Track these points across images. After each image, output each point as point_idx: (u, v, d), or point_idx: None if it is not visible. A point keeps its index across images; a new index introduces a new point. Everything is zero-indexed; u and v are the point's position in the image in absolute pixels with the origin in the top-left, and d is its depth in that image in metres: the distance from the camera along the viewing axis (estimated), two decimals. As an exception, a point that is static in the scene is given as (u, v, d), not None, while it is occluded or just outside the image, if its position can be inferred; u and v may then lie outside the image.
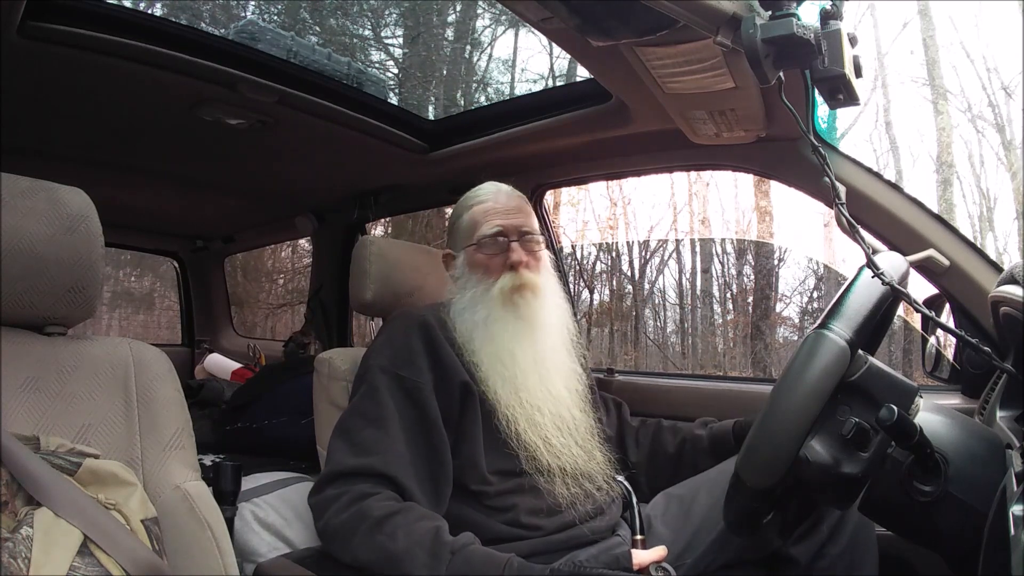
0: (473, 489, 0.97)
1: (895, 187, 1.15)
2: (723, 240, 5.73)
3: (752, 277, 5.51)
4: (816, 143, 0.70)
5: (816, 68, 0.66)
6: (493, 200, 1.09)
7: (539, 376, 1.03)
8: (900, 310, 1.20)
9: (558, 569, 0.80)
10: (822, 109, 1.11)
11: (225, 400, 2.02)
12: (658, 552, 0.85)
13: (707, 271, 5.63)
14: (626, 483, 0.96)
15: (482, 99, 5.71)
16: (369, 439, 0.92)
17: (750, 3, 0.66)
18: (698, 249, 5.68)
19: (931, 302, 1.12)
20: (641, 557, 0.82)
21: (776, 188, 5.17)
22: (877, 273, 0.64)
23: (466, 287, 1.06)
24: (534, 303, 1.05)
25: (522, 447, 0.98)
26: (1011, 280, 0.78)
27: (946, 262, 1.09)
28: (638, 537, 0.86)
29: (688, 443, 1.13)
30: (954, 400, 1.13)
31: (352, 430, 0.95)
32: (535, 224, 1.10)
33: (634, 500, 0.89)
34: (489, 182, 1.15)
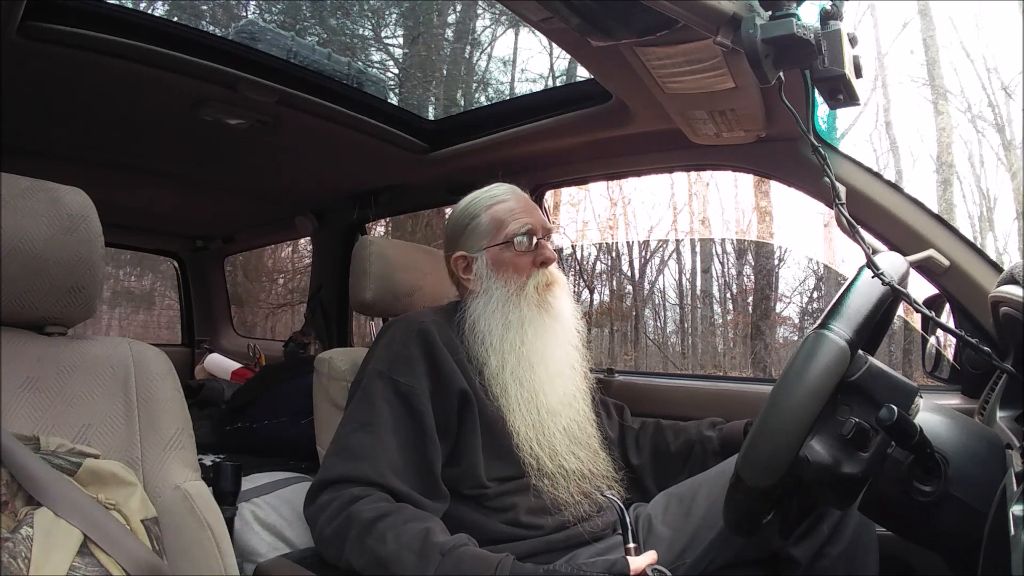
0: (473, 494, 0.96)
1: (895, 187, 1.15)
2: (723, 240, 5.73)
3: (752, 277, 5.51)
4: (816, 143, 0.70)
5: (816, 68, 0.66)
6: (514, 200, 1.09)
7: (561, 377, 1.04)
8: (900, 310, 1.20)
9: (553, 570, 0.80)
10: (822, 109, 1.11)
11: (225, 400, 2.02)
12: (651, 556, 0.85)
13: (707, 271, 5.64)
14: (616, 500, 0.97)
15: (482, 99, 5.70)
16: (359, 444, 0.92)
17: (750, 3, 0.66)
18: (698, 249, 5.69)
19: (931, 302, 1.12)
20: (636, 562, 0.83)
21: (776, 188, 5.17)
22: (877, 273, 0.64)
23: (491, 288, 1.03)
24: (561, 298, 1.06)
25: (528, 453, 0.98)
26: (1011, 280, 0.78)
27: (946, 262, 1.09)
28: (630, 545, 0.87)
29: (697, 444, 1.13)
30: (954, 400, 1.13)
31: (344, 435, 0.95)
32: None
33: (627, 516, 0.90)
34: (497, 183, 1.13)
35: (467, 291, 1.08)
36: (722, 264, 5.71)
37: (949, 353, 1.14)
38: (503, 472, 0.98)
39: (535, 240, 1.05)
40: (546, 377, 1.02)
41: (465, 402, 0.97)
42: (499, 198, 1.09)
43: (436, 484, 0.93)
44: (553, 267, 1.06)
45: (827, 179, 0.68)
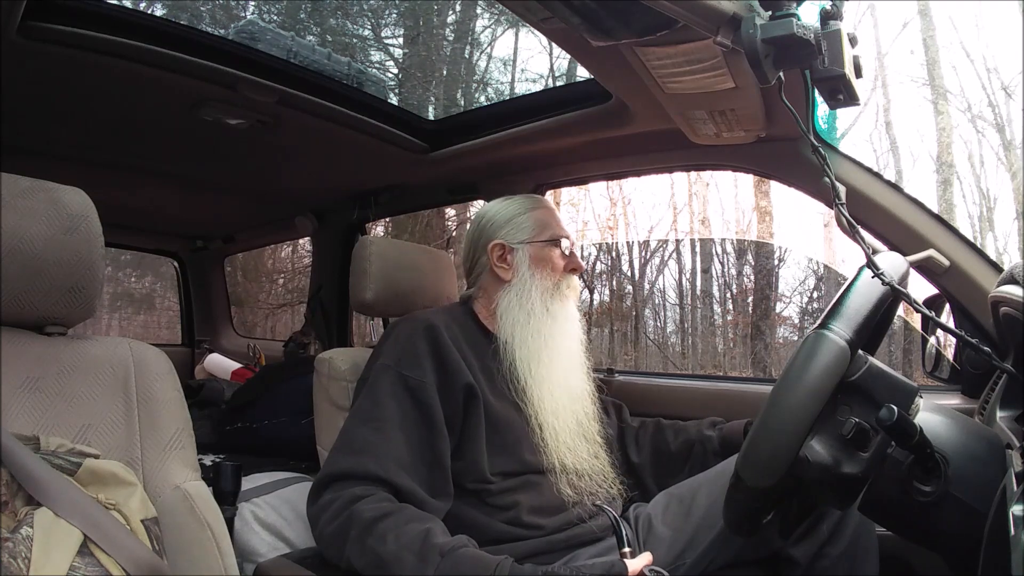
0: (475, 488, 0.97)
1: (895, 187, 1.15)
2: (723, 240, 5.73)
3: (752, 277, 5.51)
4: (816, 143, 0.70)
5: (816, 68, 0.66)
6: (552, 209, 1.18)
7: (577, 373, 1.10)
8: (900, 310, 1.20)
9: (551, 571, 0.80)
10: (822, 109, 1.11)
11: (225, 400, 2.02)
12: (647, 557, 0.86)
13: (707, 271, 5.64)
14: (611, 510, 0.98)
15: (482, 99, 5.71)
16: (363, 439, 0.92)
17: (750, 3, 0.66)
18: (698, 249, 5.69)
19: (931, 302, 1.12)
20: (634, 564, 0.83)
21: (776, 188, 5.18)
22: (877, 273, 0.64)
23: (528, 279, 1.09)
24: (575, 305, 1.14)
25: (538, 443, 1.00)
26: (1011, 280, 0.78)
27: (946, 262, 1.09)
28: (625, 550, 0.87)
29: (697, 444, 1.14)
30: (954, 400, 1.13)
31: (349, 430, 0.95)
32: None
33: (620, 524, 0.90)
34: (525, 195, 1.21)
35: (498, 280, 1.11)
36: (722, 264, 5.72)
37: (949, 353, 1.14)
38: (506, 467, 0.98)
39: (569, 248, 1.13)
40: (567, 369, 1.08)
41: (471, 396, 0.98)
42: (541, 204, 1.17)
43: (445, 477, 0.94)
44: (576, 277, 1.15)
45: (827, 179, 0.68)
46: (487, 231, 1.14)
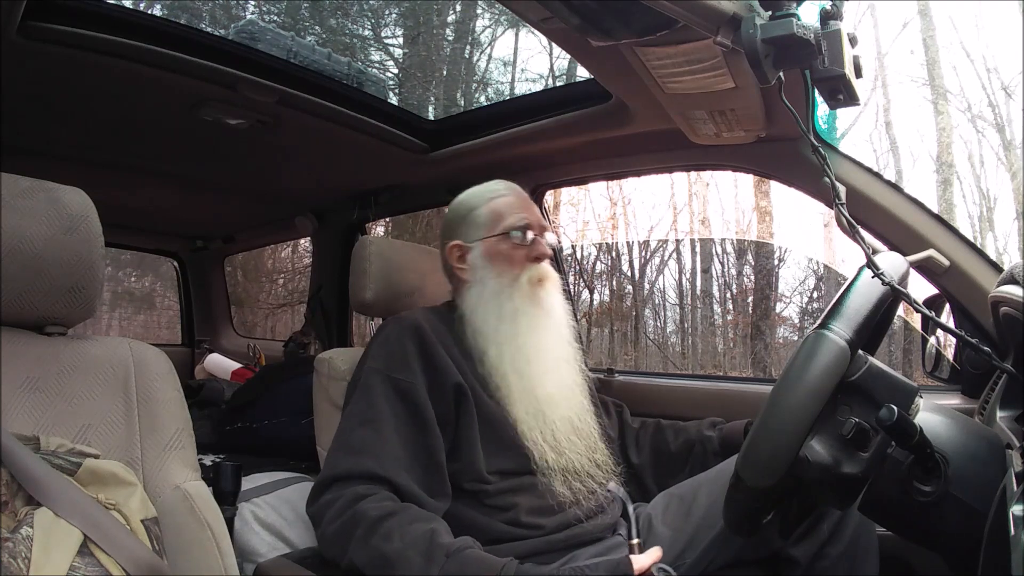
0: (473, 489, 0.96)
1: (895, 187, 1.15)
2: (723, 240, 5.74)
3: (752, 277, 5.51)
4: (816, 143, 0.70)
5: (816, 68, 0.66)
6: (513, 195, 1.11)
7: (557, 370, 1.05)
8: (900, 310, 1.20)
9: (555, 571, 0.80)
10: (822, 109, 1.11)
11: (225, 400, 2.02)
12: (655, 553, 0.85)
13: (707, 271, 5.64)
14: (621, 489, 0.96)
15: (482, 99, 5.71)
16: (361, 440, 0.92)
17: (750, 3, 0.66)
18: (698, 249, 5.69)
19: (931, 302, 1.12)
20: (640, 561, 0.82)
21: (776, 188, 5.18)
22: (877, 273, 0.64)
23: (485, 279, 1.05)
24: (553, 294, 1.07)
25: (531, 443, 0.98)
26: (1011, 280, 0.78)
27: (946, 262, 1.09)
28: (635, 541, 0.86)
29: (697, 444, 1.13)
30: (954, 400, 1.13)
31: (346, 431, 0.95)
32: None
33: (629, 507, 0.89)
34: (496, 180, 1.15)
35: (461, 282, 1.09)
36: (722, 264, 5.72)
37: (949, 353, 1.14)
38: (504, 466, 0.98)
39: (531, 235, 1.06)
40: (543, 368, 1.02)
41: (461, 395, 0.98)
42: (499, 192, 1.11)
43: (441, 479, 0.94)
44: (546, 263, 1.07)
45: (827, 179, 0.68)
46: (446, 232, 1.11)
